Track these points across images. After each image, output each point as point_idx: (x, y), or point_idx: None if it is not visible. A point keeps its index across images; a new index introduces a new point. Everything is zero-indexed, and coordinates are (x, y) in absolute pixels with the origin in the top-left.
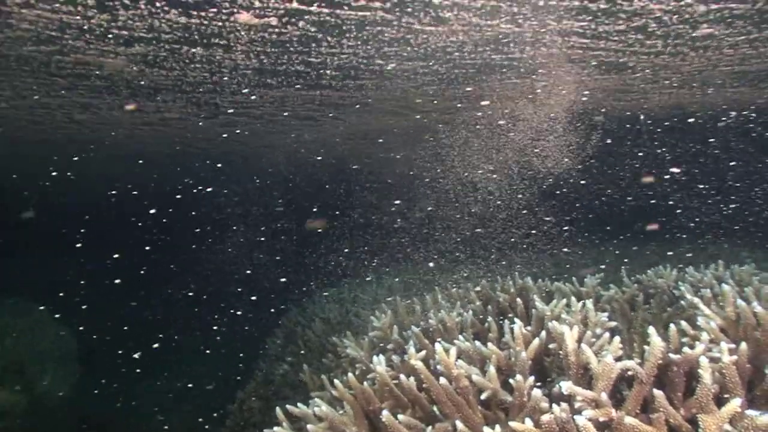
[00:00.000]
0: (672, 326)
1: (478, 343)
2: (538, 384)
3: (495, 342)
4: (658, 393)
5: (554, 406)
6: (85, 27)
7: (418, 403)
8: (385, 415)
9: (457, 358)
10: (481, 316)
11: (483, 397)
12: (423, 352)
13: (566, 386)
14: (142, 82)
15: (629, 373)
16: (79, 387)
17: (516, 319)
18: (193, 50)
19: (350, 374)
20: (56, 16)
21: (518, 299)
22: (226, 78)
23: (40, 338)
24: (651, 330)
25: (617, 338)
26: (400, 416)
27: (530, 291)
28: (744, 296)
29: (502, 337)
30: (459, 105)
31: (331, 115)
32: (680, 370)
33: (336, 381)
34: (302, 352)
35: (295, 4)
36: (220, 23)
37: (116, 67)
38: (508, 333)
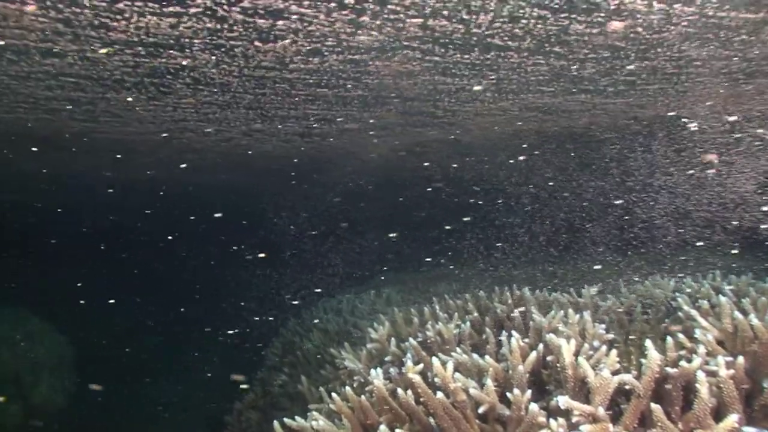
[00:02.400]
0: (669, 339)
1: (475, 355)
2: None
3: (492, 354)
4: (655, 407)
5: (552, 420)
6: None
7: (415, 417)
8: (383, 429)
9: (454, 371)
10: (479, 327)
11: (480, 410)
12: (420, 365)
13: (563, 401)
14: (387, 92)
15: (627, 386)
16: (76, 397)
17: (513, 332)
18: (510, 55)
19: (348, 387)
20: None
21: (516, 310)
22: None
23: (37, 347)
24: (648, 343)
25: (614, 351)
26: (398, 430)
27: (528, 302)
28: (741, 307)
29: (500, 348)
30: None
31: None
32: (677, 383)
33: (334, 394)
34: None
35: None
36: (586, 30)
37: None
38: (506, 345)
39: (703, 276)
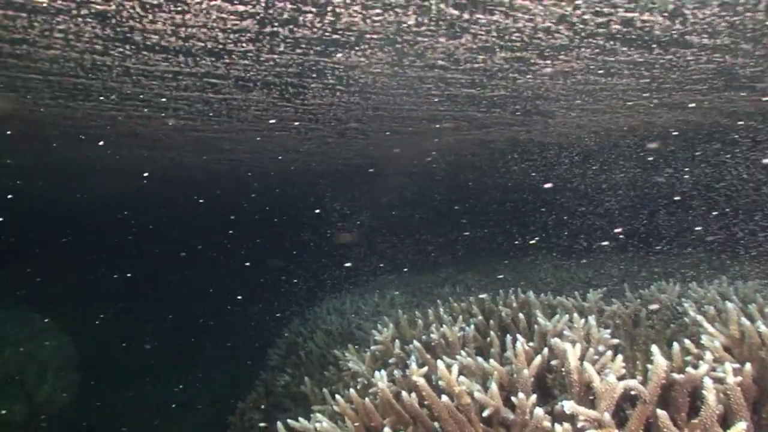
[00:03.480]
0: (675, 344)
1: (480, 359)
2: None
3: (497, 357)
4: (661, 413)
5: (557, 425)
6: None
7: (419, 420)
8: (387, 431)
9: (459, 374)
10: (483, 331)
11: (485, 414)
12: (425, 368)
13: (569, 405)
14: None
15: (632, 392)
16: (79, 396)
17: (518, 335)
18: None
19: (351, 389)
20: None
21: (520, 314)
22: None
23: (41, 347)
24: (654, 349)
25: (620, 356)
26: None
27: (532, 306)
28: (748, 313)
29: (504, 351)
30: None
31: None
32: (684, 390)
33: (337, 396)
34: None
35: None
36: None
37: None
38: (510, 349)
39: (709, 281)
